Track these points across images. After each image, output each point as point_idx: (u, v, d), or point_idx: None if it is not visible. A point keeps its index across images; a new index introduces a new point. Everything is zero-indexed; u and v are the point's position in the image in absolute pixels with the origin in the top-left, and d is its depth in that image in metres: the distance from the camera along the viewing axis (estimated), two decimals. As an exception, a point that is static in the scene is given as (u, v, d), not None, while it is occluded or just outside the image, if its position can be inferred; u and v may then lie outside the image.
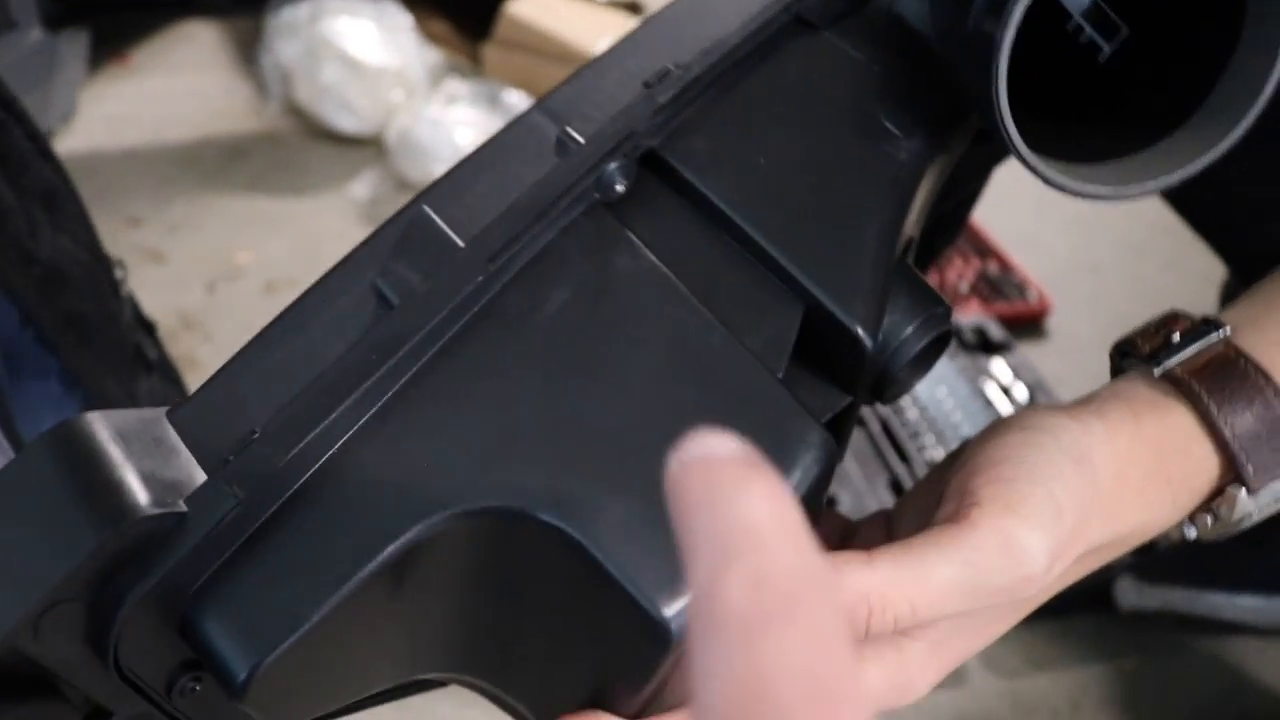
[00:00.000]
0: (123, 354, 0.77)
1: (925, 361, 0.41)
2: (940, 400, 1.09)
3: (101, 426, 0.31)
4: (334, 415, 0.32)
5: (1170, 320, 0.41)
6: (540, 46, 1.56)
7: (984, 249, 1.40)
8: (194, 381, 0.96)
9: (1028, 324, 1.31)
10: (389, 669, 0.36)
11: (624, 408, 0.34)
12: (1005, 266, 1.37)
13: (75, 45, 1.59)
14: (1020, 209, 1.41)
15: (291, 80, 1.54)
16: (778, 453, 0.34)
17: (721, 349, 0.35)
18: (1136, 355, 0.41)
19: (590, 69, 0.40)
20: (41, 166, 0.70)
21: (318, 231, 1.40)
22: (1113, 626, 0.95)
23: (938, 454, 1.04)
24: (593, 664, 0.35)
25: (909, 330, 0.39)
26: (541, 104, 0.39)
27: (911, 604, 0.35)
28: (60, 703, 0.31)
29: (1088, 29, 0.38)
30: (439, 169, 1.35)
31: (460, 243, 0.35)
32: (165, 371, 0.83)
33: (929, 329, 0.39)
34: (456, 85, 1.51)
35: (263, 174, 1.50)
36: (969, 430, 1.07)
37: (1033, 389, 1.15)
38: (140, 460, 0.30)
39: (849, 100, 0.40)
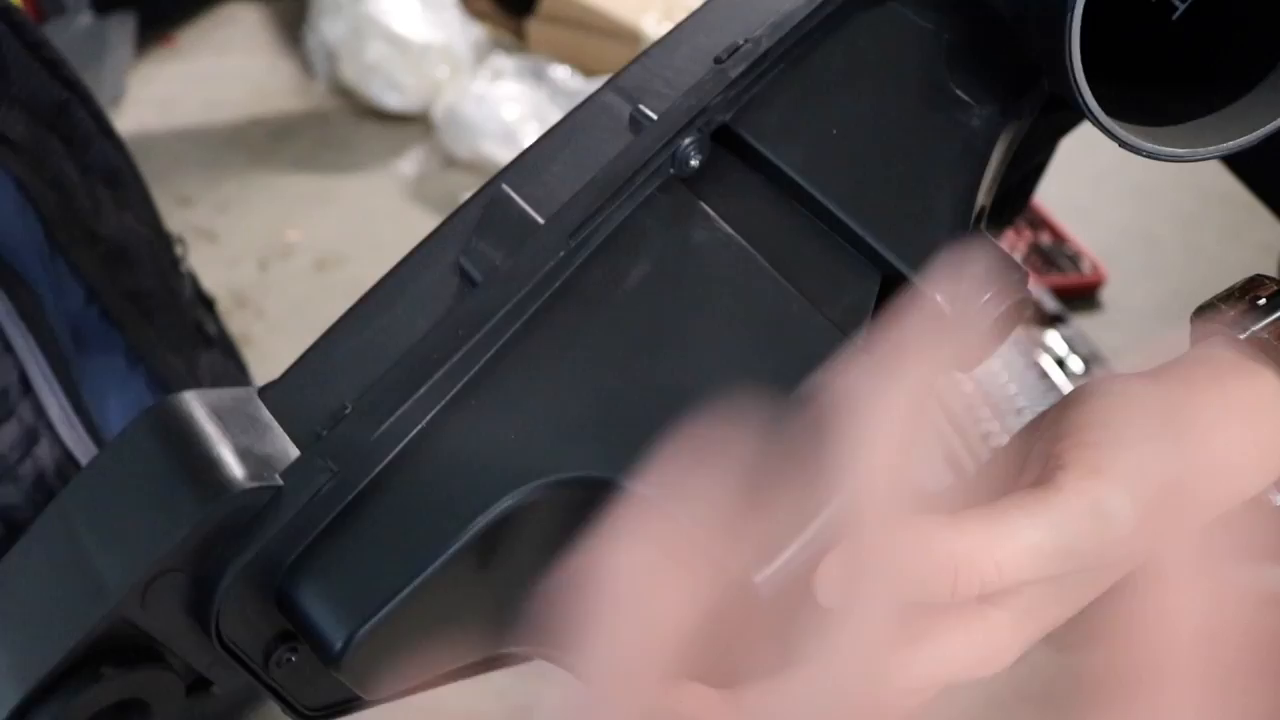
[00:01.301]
0: (184, 329, 0.78)
1: (1004, 329, 0.40)
2: (995, 373, 1.08)
3: (198, 405, 0.32)
4: (422, 390, 0.33)
5: (1254, 284, 0.41)
6: (585, 20, 1.55)
7: (1037, 220, 1.38)
8: (249, 358, 0.97)
9: (1082, 296, 1.30)
10: (478, 642, 0.36)
11: (704, 379, 0.34)
12: (1059, 238, 1.36)
13: (123, 28, 1.60)
14: (1074, 180, 1.39)
15: (337, 59, 1.55)
16: None
17: (800, 319, 0.36)
18: (1220, 320, 0.40)
19: (659, 47, 0.40)
20: (104, 145, 0.71)
21: (367, 209, 1.40)
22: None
23: (993, 427, 1.03)
24: None
25: (985, 297, 0.38)
26: (613, 83, 0.39)
27: (999, 567, 0.35)
28: (165, 671, 0.31)
29: None
30: (487, 145, 1.36)
31: (540, 220, 0.35)
32: (225, 347, 0.84)
33: (1005, 295, 0.39)
34: (502, 61, 1.51)
35: (310, 152, 1.51)
36: (1025, 403, 1.06)
37: (1088, 361, 1.14)
38: (236, 436, 0.31)
39: (919, 69, 0.40)
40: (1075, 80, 0.36)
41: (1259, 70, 0.38)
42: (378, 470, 0.32)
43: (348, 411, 0.32)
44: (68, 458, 0.73)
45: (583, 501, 0.33)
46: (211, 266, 1.26)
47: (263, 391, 0.34)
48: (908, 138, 0.39)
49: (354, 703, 0.36)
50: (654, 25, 1.54)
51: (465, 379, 0.33)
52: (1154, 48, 0.42)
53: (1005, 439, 1.03)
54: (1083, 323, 1.24)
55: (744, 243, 0.37)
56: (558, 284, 0.35)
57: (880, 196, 0.38)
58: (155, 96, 1.62)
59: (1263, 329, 0.38)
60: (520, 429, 0.33)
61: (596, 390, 0.34)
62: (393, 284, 0.36)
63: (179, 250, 0.78)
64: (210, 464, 0.30)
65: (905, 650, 0.36)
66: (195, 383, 0.78)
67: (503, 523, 0.32)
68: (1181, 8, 0.37)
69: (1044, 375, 1.11)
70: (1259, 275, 0.41)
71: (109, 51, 1.56)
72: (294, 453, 0.32)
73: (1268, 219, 0.76)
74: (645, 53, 0.40)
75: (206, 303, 0.81)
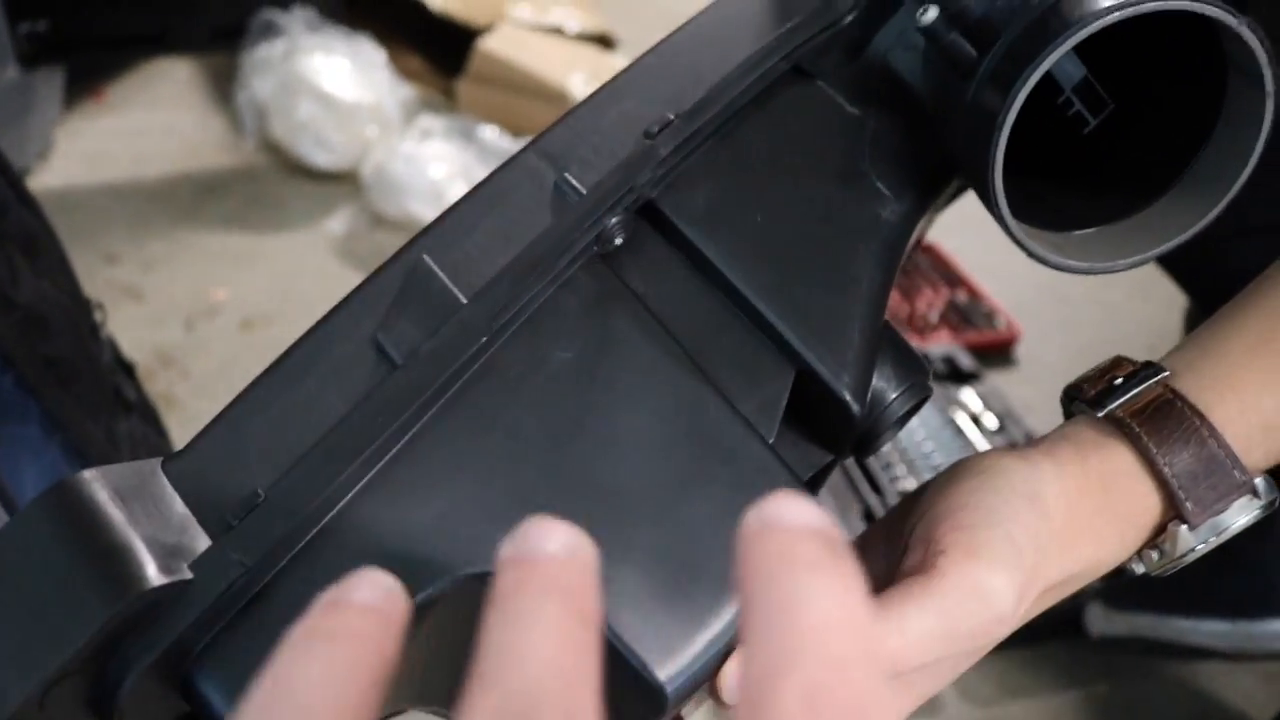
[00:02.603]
0: (103, 396, 0.78)
1: (904, 421, 0.42)
2: (911, 430, 1.10)
3: (100, 487, 0.30)
4: (340, 479, 0.32)
5: (1114, 365, 0.43)
6: (514, 81, 1.57)
7: (953, 278, 1.42)
8: (172, 421, 0.96)
9: (997, 352, 1.33)
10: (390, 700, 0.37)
11: (620, 473, 0.35)
12: (974, 295, 1.39)
13: (51, 82, 1.60)
14: (988, 238, 1.43)
15: (267, 116, 1.55)
16: None
17: (715, 415, 0.36)
18: (1082, 399, 0.42)
19: (585, 110, 0.39)
20: (21, 211, 0.71)
21: (294, 268, 1.40)
22: (1084, 652, 0.96)
23: (909, 484, 1.05)
24: None
25: (894, 396, 0.39)
26: (536, 145, 0.38)
27: (893, 658, 0.36)
28: None
29: (1076, 103, 0.39)
30: (414, 204, 1.37)
31: (463, 299, 0.35)
32: (144, 412, 0.84)
33: (913, 395, 0.40)
34: (430, 120, 1.52)
35: (239, 210, 1.51)
36: (941, 460, 1.08)
37: (1002, 417, 1.17)
38: (141, 523, 0.30)
39: (843, 157, 0.41)
40: (994, 194, 0.37)
41: (1166, 178, 0.40)
42: (287, 559, 0.32)
43: (261, 500, 0.32)
44: (-20, 526, 0.72)
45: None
46: (136, 325, 1.26)
47: (165, 465, 0.33)
48: (828, 230, 0.40)
49: None
50: (581, 86, 1.56)
51: (381, 463, 0.33)
52: (1066, 156, 0.43)
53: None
54: (997, 379, 1.27)
55: (663, 330, 0.37)
56: (476, 366, 0.35)
57: (798, 289, 0.38)
58: (83, 151, 1.62)
59: (1118, 407, 0.40)
60: (435, 518, 0.33)
61: (514, 481, 0.34)
62: (303, 355, 0.35)
63: (98, 316, 0.78)
64: (117, 557, 0.29)
65: None
66: (114, 450, 0.78)
67: (415, 612, 0.33)
68: (1094, 122, 0.39)
69: (959, 432, 1.13)
70: (1120, 357, 0.43)
71: (36, 105, 1.55)
72: (201, 539, 0.31)
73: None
74: (570, 114, 0.39)
75: (126, 368, 0.81)
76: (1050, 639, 0.96)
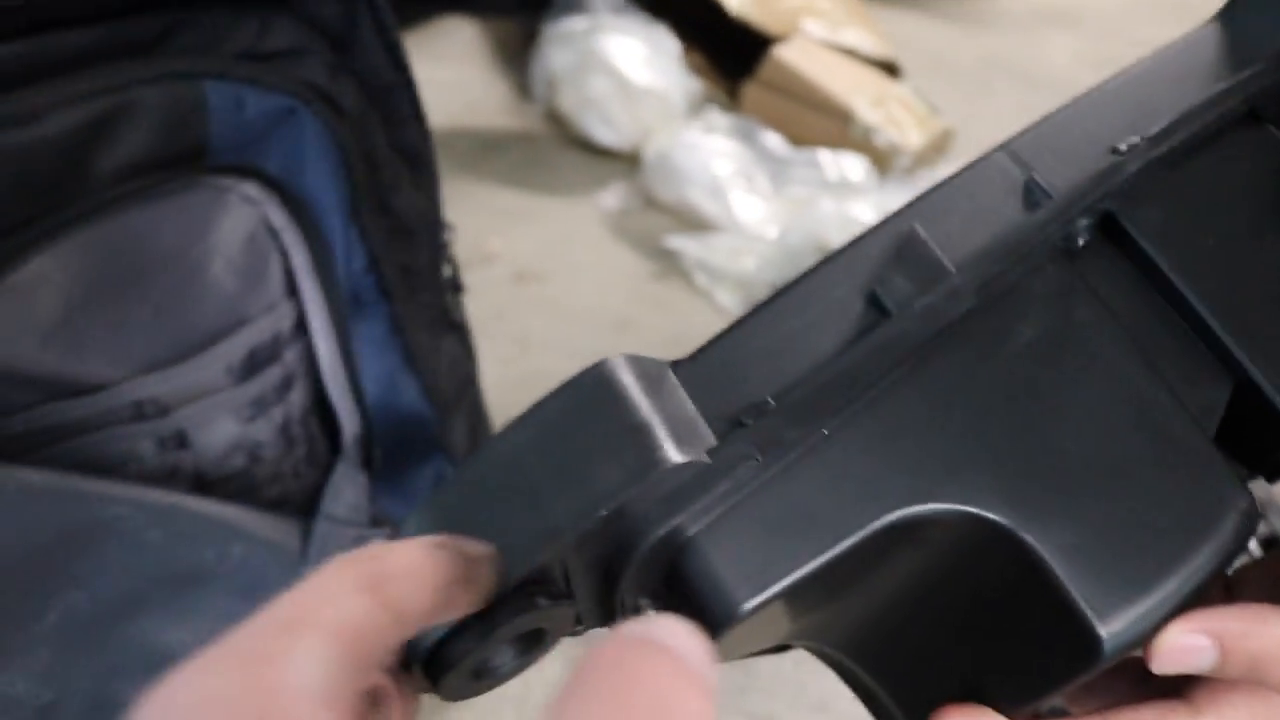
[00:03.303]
0: (438, 310, 0.83)
1: None
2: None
3: (630, 371, 0.34)
4: (837, 401, 0.35)
5: None
6: (800, 92, 1.60)
7: None
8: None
9: None
10: (792, 632, 0.39)
11: (1076, 443, 0.37)
12: None
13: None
14: None
15: (557, 87, 1.61)
16: (1212, 510, 0.37)
17: (1166, 407, 0.38)
18: None
19: (1053, 121, 0.43)
20: (415, 128, 0.76)
21: (566, 232, 1.45)
22: None
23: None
24: (994, 666, 0.37)
25: None
26: (1006, 148, 0.42)
27: None
28: (571, 607, 0.34)
29: None
30: (692, 193, 1.40)
31: (951, 267, 0.38)
32: (461, 335, 0.88)
33: None
34: (715, 116, 1.55)
35: (517, 170, 1.57)
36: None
37: None
38: (665, 408, 0.34)
39: None
40: None
41: None
42: (784, 464, 0.35)
43: (771, 406, 0.35)
44: (319, 405, 0.77)
45: (958, 531, 0.35)
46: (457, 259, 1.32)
47: (674, 366, 0.36)
48: (1273, 259, 0.41)
49: None
50: (865, 108, 1.57)
51: (867, 398, 0.36)
52: None
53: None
54: None
55: (1118, 325, 0.39)
56: (955, 329, 0.37)
57: (1244, 309, 0.40)
58: (375, 93, 1.70)
59: None
60: (911, 454, 0.36)
61: (980, 435, 0.36)
62: (799, 295, 0.39)
63: (448, 236, 0.83)
64: (648, 433, 0.33)
65: None
66: (438, 362, 0.83)
67: (883, 536, 0.35)
68: None
69: None
70: None
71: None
72: (707, 433, 0.35)
73: None
74: (1037, 124, 0.43)
75: (457, 289, 0.85)
76: None
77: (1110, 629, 0.34)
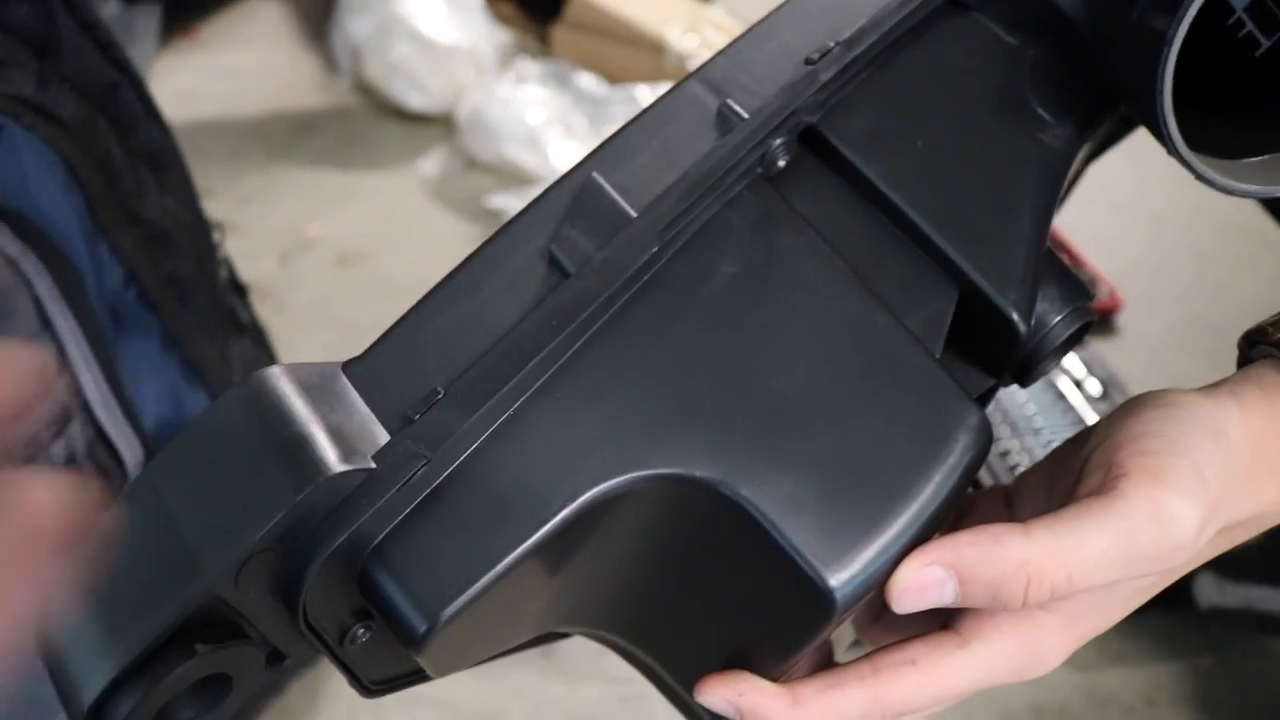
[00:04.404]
0: (218, 315, 0.78)
1: (1068, 347, 0.41)
2: (1014, 392, 1.08)
3: (288, 381, 0.31)
4: (515, 379, 0.33)
5: None
6: (610, 29, 1.56)
7: (1055, 244, 1.39)
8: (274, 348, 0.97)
9: (1099, 320, 1.30)
10: (540, 622, 0.37)
11: (789, 382, 0.35)
12: (1077, 262, 1.37)
13: (148, 18, 1.61)
14: (1092, 207, 1.40)
15: (362, 57, 1.55)
16: (938, 434, 0.35)
17: (883, 329, 0.36)
18: (1267, 341, 0.41)
19: (745, 40, 0.40)
20: (151, 128, 0.71)
21: (387, 207, 1.41)
22: (1188, 623, 0.94)
23: (1012, 445, 1.04)
24: (744, 629, 0.36)
25: (1058, 318, 0.39)
26: (698, 74, 0.39)
27: (1068, 573, 0.35)
28: (250, 646, 0.31)
29: (1249, 23, 0.37)
30: (510, 148, 1.36)
31: (633, 213, 0.35)
32: (255, 335, 0.84)
33: (1077, 317, 0.40)
34: (526, 65, 1.51)
35: (332, 149, 1.51)
36: (1042, 423, 1.06)
37: (1106, 384, 1.15)
38: (326, 415, 0.31)
39: (1002, 85, 0.41)
40: (1164, 116, 0.36)
41: None
42: (464, 456, 0.32)
43: (440, 396, 0.32)
44: (100, 438, 0.73)
45: (667, 497, 0.33)
46: (233, 258, 1.27)
47: (346, 367, 0.34)
48: (989, 153, 0.39)
49: (415, 677, 0.37)
50: (678, 36, 1.55)
51: (554, 368, 0.33)
52: (1233, 80, 0.42)
53: (1023, 457, 1.04)
54: (1099, 347, 1.25)
55: (828, 247, 0.37)
56: (646, 278, 0.35)
57: (963, 212, 0.38)
58: (177, 88, 1.63)
59: None
60: (606, 423, 0.33)
61: (683, 389, 0.34)
62: (478, 266, 0.35)
63: (216, 236, 0.78)
64: (304, 445, 0.30)
65: (957, 654, 0.36)
66: (227, 369, 0.79)
67: (586, 514, 0.32)
68: (1266, 44, 0.38)
69: (1061, 396, 1.11)
70: None
71: (134, 41, 1.56)
72: (381, 433, 0.32)
73: (1283, 251, 0.77)
74: (730, 45, 0.40)
75: (240, 290, 0.81)
76: (1153, 609, 0.94)
77: (839, 578, 0.32)
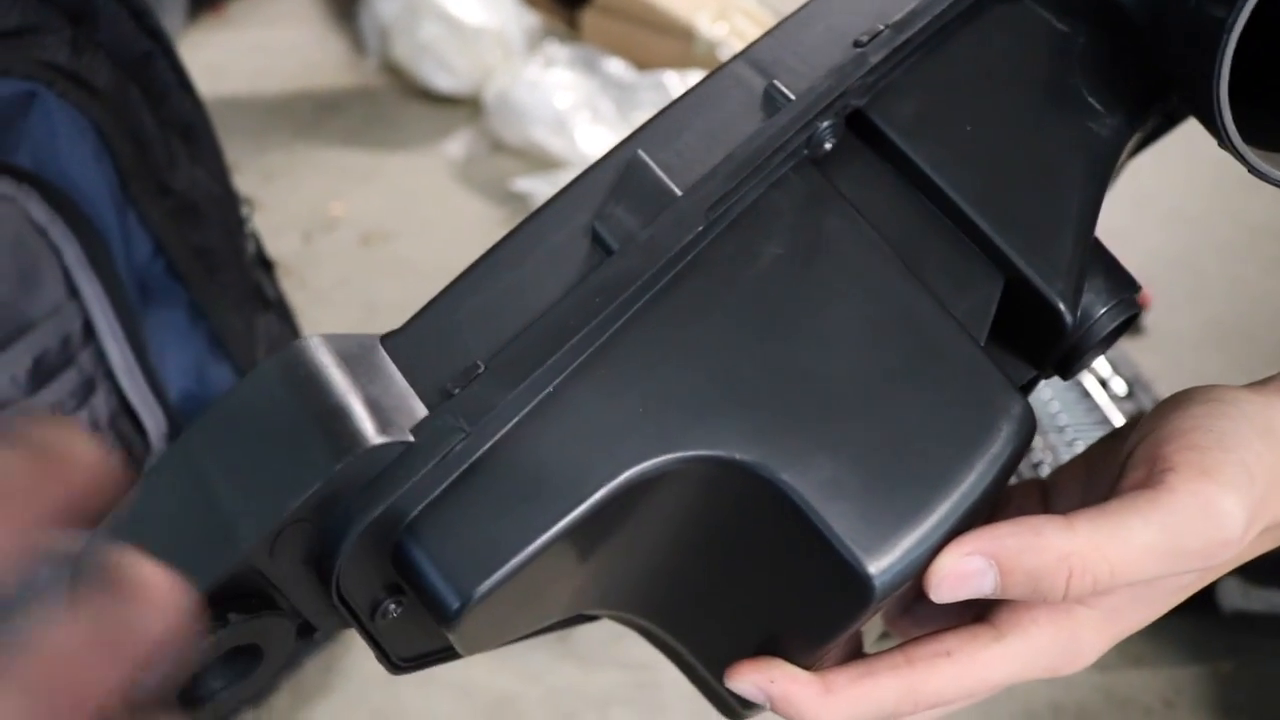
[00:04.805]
0: (245, 289, 0.78)
1: (1112, 340, 0.40)
2: (1038, 390, 1.07)
3: (327, 351, 0.31)
4: (557, 355, 0.32)
5: None
6: (639, 14, 1.55)
7: (1082, 241, 1.38)
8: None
9: (1125, 319, 1.29)
10: (571, 603, 0.36)
11: (833, 366, 0.34)
12: (1103, 260, 1.35)
13: (177, -6, 1.61)
14: (1118, 203, 1.39)
15: (390, 37, 1.55)
16: (982, 423, 0.34)
17: (928, 315, 0.35)
18: None
19: (792, 22, 0.40)
20: (183, 98, 0.71)
21: (412, 187, 1.40)
22: (1211, 627, 0.93)
23: (1036, 443, 1.03)
24: (778, 616, 0.35)
25: (1104, 309, 0.38)
26: (745, 54, 0.39)
27: (1111, 566, 0.34)
28: (282, 617, 0.31)
29: None
30: (537, 131, 1.35)
31: (678, 191, 0.35)
32: (280, 311, 0.84)
33: (1123, 309, 0.39)
34: (555, 49, 1.51)
35: (357, 128, 1.51)
36: (1067, 421, 1.06)
37: (1131, 384, 1.14)
38: (365, 386, 0.31)
39: (1052, 72, 0.40)
40: (1219, 106, 0.35)
41: None
42: (503, 432, 0.32)
43: (481, 370, 0.32)
44: (124, 409, 0.73)
45: (706, 479, 0.33)
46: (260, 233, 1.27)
47: (385, 340, 0.33)
48: (1038, 141, 0.39)
49: (444, 654, 0.36)
50: (707, 24, 1.54)
51: (595, 345, 0.33)
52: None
53: (1047, 455, 1.03)
54: (1126, 345, 1.24)
55: (874, 232, 0.36)
56: (690, 257, 0.34)
57: (1010, 199, 0.38)
58: (204, 64, 1.62)
59: None
60: (648, 401, 0.33)
61: (724, 371, 0.34)
62: (520, 242, 0.35)
63: (245, 210, 0.78)
64: (342, 416, 0.30)
65: (993, 646, 0.36)
66: (252, 343, 0.78)
67: (624, 494, 0.32)
68: None
69: (1086, 395, 1.10)
70: None
71: (163, 15, 1.56)
72: (419, 407, 0.31)
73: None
74: (778, 26, 0.39)
75: (266, 265, 0.81)
76: (1176, 611, 0.94)
77: (879, 565, 0.32)
